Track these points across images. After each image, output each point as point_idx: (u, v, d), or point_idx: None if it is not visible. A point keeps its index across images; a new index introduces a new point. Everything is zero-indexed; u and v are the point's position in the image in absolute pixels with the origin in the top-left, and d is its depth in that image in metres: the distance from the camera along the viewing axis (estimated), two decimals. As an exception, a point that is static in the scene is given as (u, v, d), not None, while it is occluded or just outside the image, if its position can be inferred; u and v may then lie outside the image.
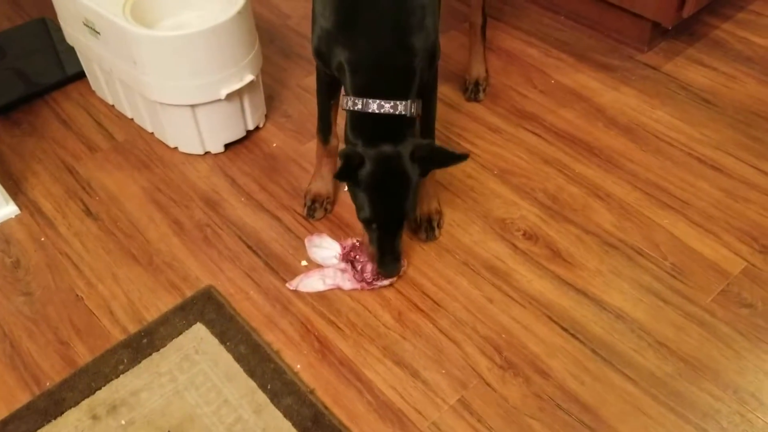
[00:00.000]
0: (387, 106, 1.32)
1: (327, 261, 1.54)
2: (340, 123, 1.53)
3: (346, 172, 1.35)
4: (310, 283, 1.51)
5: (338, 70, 1.37)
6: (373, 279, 1.49)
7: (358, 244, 1.53)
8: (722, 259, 1.53)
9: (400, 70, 1.33)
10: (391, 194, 1.37)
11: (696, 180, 1.70)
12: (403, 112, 1.33)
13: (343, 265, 1.51)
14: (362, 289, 1.49)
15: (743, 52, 2.06)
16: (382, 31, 1.31)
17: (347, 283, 1.50)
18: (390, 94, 1.32)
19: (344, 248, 1.53)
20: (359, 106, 1.33)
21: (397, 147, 1.34)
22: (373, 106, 1.32)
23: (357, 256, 1.51)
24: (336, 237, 1.59)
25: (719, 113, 1.87)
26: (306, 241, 1.58)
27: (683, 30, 2.12)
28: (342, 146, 1.45)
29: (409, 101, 1.33)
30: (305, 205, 1.65)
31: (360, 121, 1.35)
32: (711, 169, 1.72)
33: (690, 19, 2.02)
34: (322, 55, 1.41)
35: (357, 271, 1.49)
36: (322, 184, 1.66)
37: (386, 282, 1.49)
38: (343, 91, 1.40)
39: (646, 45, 2.07)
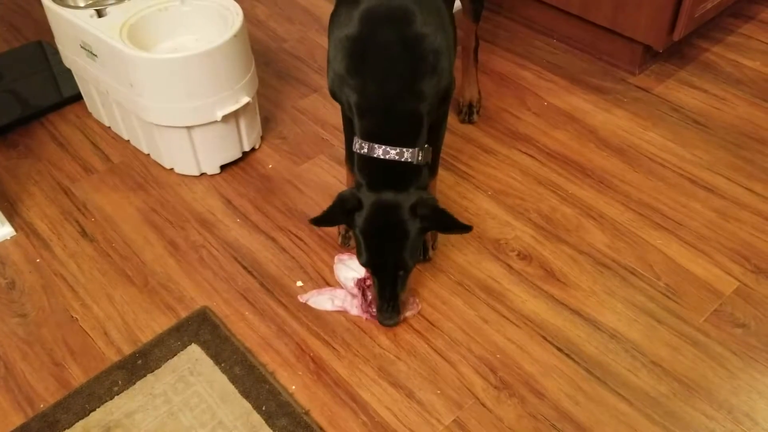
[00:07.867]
0: (392, 153, 1.31)
1: (346, 282, 1.53)
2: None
3: (333, 215, 1.35)
4: (320, 300, 1.51)
5: (350, 111, 1.37)
6: None
7: None
8: (715, 279, 1.54)
9: (408, 116, 1.32)
10: (384, 243, 1.36)
11: (688, 200, 1.72)
12: (410, 160, 1.31)
13: (355, 290, 1.51)
14: (366, 319, 1.48)
15: (733, 74, 2.09)
16: (390, 77, 1.30)
17: (354, 309, 1.49)
18: (396, 141, 1.31)
19: (363, 275, 1.53)
20: (365, 150, 1.32)
21: (399, 196, 1.33)
22: (379, 151, 1.31)
23: (370, 286, 1.49)
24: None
25: (710, 134, 1.89)
26: (336, 257, 1.58)
27: (674, 53, 2.14)
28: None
29: (416, 149, 1.32)
30: (339, 233, 1.64)
31: (366, 164, 1.34)
32: (703, 190, 1.74)
33: (680, 42, 2.05)
34: (335, 96, 1.41)
35: (366, 301, 1.48)
36: None
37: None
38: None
39: (637, 68, 2.10)
